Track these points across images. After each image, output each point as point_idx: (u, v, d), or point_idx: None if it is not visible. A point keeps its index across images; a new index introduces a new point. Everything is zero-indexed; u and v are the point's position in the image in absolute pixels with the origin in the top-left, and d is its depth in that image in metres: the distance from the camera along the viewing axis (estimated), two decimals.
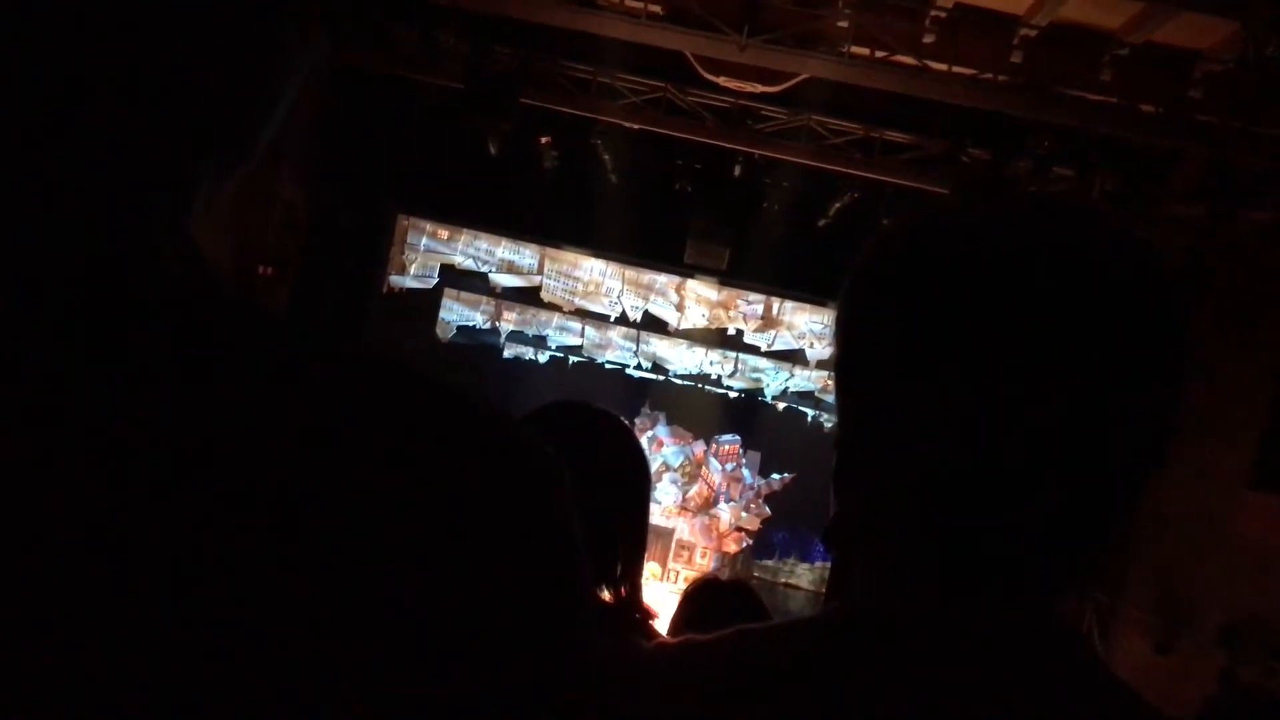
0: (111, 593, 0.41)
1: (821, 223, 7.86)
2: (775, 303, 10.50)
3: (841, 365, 0.75)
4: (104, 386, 0.43)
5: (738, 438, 11.98)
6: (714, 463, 11.86)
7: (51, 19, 0.43)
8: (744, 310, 10.67)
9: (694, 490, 11.68)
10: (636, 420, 11.70)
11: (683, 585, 9.42)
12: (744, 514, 11.73)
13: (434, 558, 0.46)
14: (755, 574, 11.72)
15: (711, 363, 11.76)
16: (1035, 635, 0.69)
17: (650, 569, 9.99)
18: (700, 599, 2.78)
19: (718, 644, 0.74)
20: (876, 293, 0.73)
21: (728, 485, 11.81)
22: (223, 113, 0.48)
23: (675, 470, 11.71)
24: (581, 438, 1.67)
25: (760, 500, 11.85)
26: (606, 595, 1.62)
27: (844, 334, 0.75)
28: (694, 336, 11.23)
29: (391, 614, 0.45)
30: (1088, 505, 0.68)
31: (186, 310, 0.47)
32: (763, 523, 11.79)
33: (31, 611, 0.41)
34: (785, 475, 11.71)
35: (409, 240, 9.99)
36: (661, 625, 2.36)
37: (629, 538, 1.67)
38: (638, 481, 1.72)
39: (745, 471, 11.94)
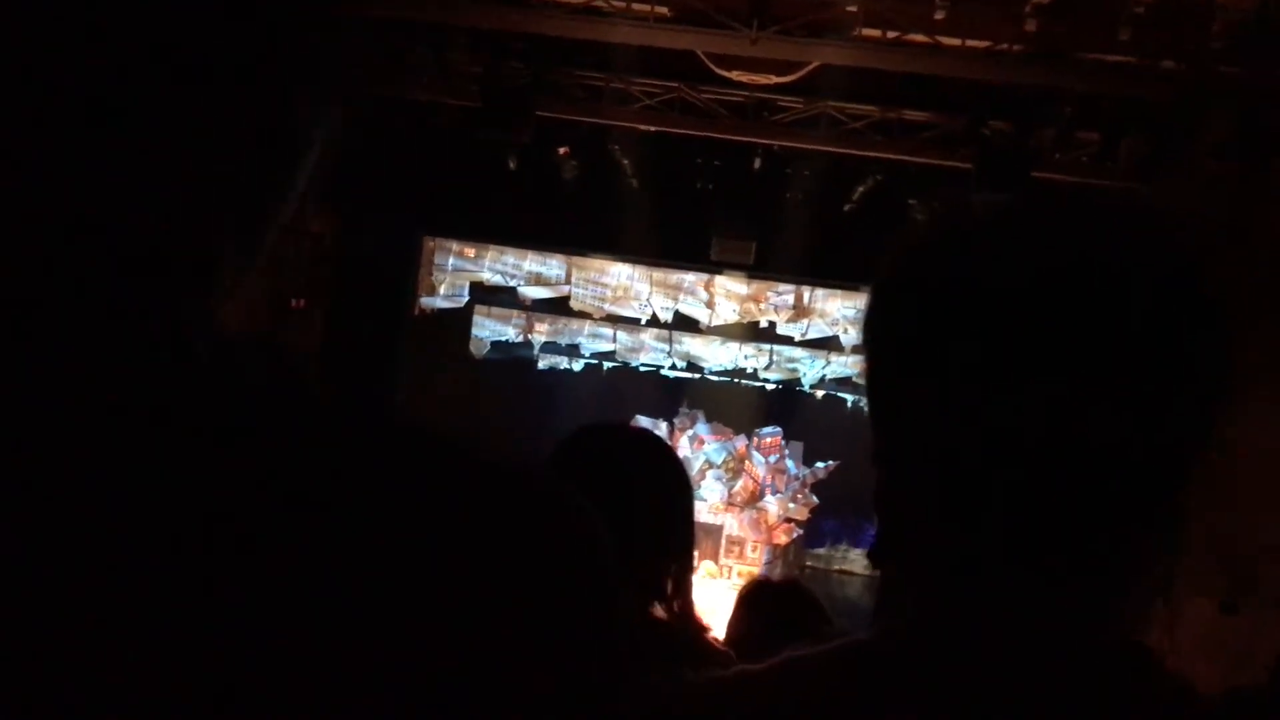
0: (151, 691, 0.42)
1: (846, 208, 7.82)
2: (806, 292, 10.45)
3: (874, 378, 0.75)
4: (134, 485, 0.43)
5: (779, 429, 11.92)
6: (757, 456, 11.81)
7: (57, 106, 0.43)
8: (775, 302, 10.63)
9: (739, 485, 11.63)
10: (675, 420, 11.68)
11: (736, 580, 9.41)
12: (791, 505, 11.67)
13: (474, 633, 0.46)
14: (808, 563, 11.68)
15: (746, 357, 11.73)
16: (1089, 652, 0.68)
17: (705, 567, 9.97)
18: (753, 604, 2.77)
19: (768, 676, 0.74)
20: (902, 309, 0.73)
21: (772, 478, 11.76)
22: (238, 197, 0.48)
23: (719, 467, 11.68)
24: (619, 460, 1.68)
25: (807, 489, 11.79)
26: (660, 613, 1.63)
27: (874, 347, 0.75)
28: (727, 332, 11.20)
29: (435, 693, 0.45)
30: (1133, 515, 0.67)
31: (216, 400, 0.47)
32: (811, 512, 11.73)
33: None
34: (830, 463, 11.63)
35: (436, 261, 10.04)
36: (718, 625, 2.36)
37: (677, 555, 1.68)
38: (679, 497, 1.73)
39: (789, 462, 11.88)
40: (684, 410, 11.96)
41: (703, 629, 1.73)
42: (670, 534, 1.68)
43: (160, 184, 0.45)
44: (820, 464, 11.74)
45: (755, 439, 11.88)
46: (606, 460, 1.67)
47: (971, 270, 0.69)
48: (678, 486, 1.74)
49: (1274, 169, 5.92)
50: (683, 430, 11.66)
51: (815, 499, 11.71)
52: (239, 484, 0.45)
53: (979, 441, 0.67)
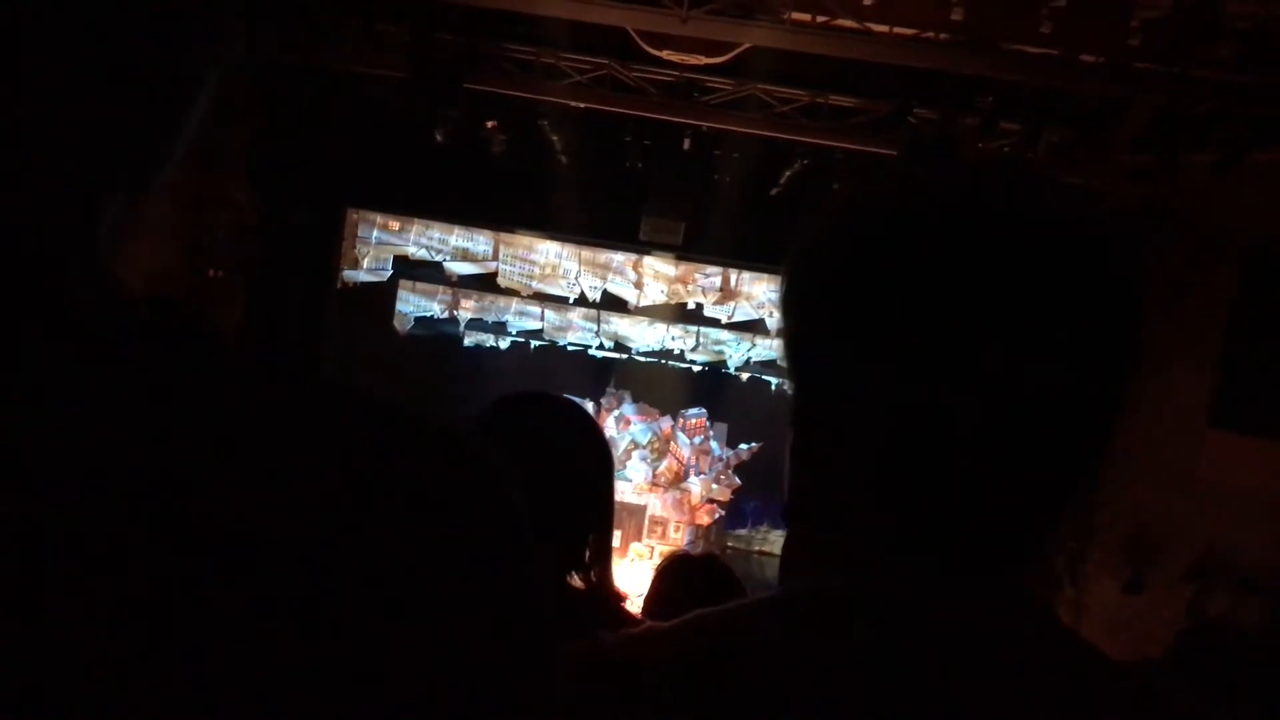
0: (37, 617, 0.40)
1: (774, 191, 7.87)
2: (733, 274, 10.52)
3: (792, 342, 0.75)
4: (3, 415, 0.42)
5: (704, 411, 12.02)
6: (682, 437, 11.89)
7: None
8: (702, 284, 10.67)
9: (664, 466, 11.70)
10: (602, 400, 11.69)
11: (656, 560, 9.45)
12: (714, 486, 11.78)
13: (380, 584, 0.45)
14: (729, 544, 11.80)
15: (673, 338, 11.78)
16: (1000, 609, 0.69)
17: (634, 549, 10.02)
18: (671, 576, 2.80)
19: (676, 631, 0.74)
20: (823, 269, 0.73)
21: (697, 458, 11.85)
22: (125, 134, 0.46)
23: (644, 447, 11.73)
24: (541, 428, 1.68)
25: (730, 471, 11.91)
26: (578, 582, 1.63)
27: (792, 311, 0.75)
28: (655, 313, 11.22)
29: (338, 643, 0.44)
30: (1046, 473, 0.68)
31: (100, 339, 0.45)
32: (733, 493, 11.86)
33: None
34: (753, 445, 11.77)
35: (360, 234, 9.87)
36: (635, 605, 2.38)
37: (595, 524, 1.68)
38: (600, 467, 1.73)
39: (713, 444, 11.98)
40: (611, 390, 11.99)
41: (620, 598, 1.74)
42: (590, 503, 1.68)
43: (38, 122, 0.43)
44: (744, 445, 11.86)
45: (681, 420, 11.95)
46: (530, 427, 1.67)
47: (892, 233, 0.69)
48: (599, 456, 1.74)
49: (1187, 164, 6.11)
50: (609, 410, 11.68)
51: (738, 480, 11.83)
52: (119, 425, 0.43)
53: (893, 405, 0.67)
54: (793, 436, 0.76)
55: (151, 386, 0.45)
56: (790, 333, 0.75)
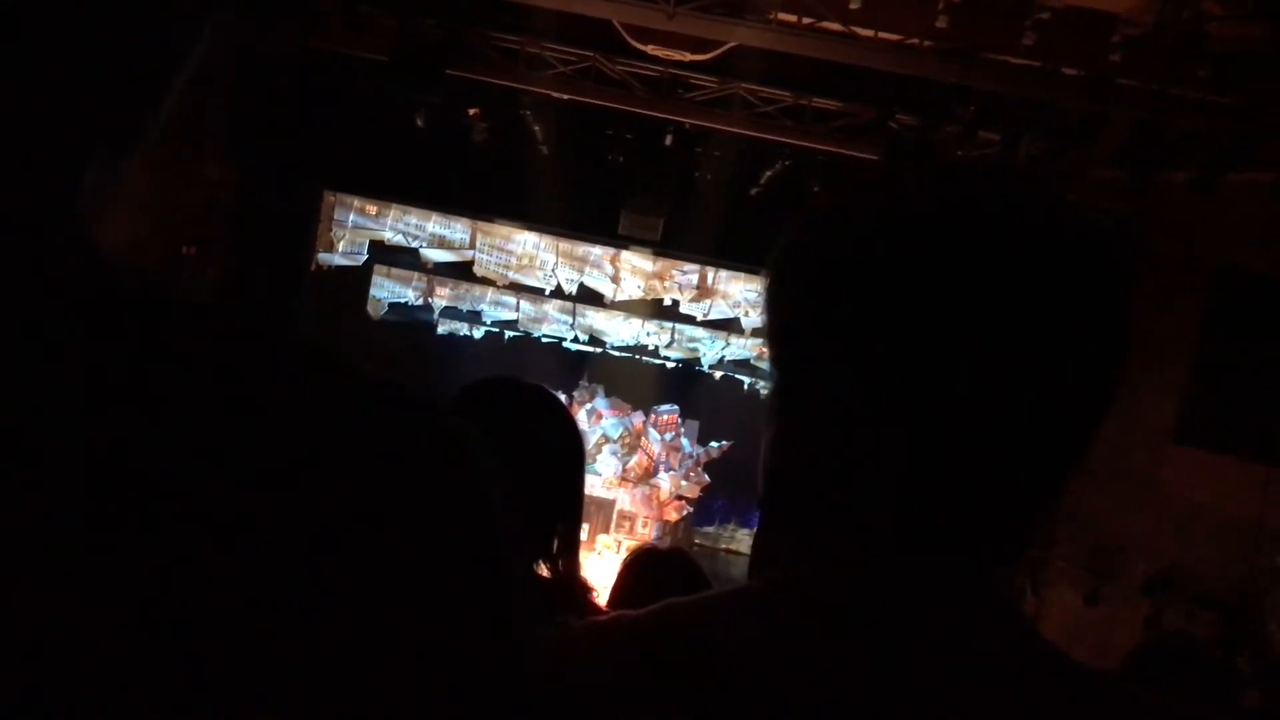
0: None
1: (754, 191, 7.88)
2: (710, 272, 10.54)
3: (774, 337, 0.75)
4: None
5: (676, 407, 12.03)
6: (653, 433, 11.90)
7: None
8: (679, 280, 10.69)
9: (634, 461, 11.71)
10: (575, 393, 11.68)
11: (623, 554, 9.46)
12: (684, 482, 11.80)
13: (348, 549, 0.44)
14: (696, 541, 11.82)
15: (649, 334, 11.78)
16: (969, 605, 0.69)
17: (600, 540, 10.02)
18: (638, 569, 2.79)
19: (645, 619, 0.73)
20: (807, 266, 0.72)
21: (667, 455, 11.87)
22: (104, 99, 0.46)
23: (615, 442, 11.73)
24: (513, 414, 1.67)
25: (699, 468, 11.93)
26: (544, 571, 1.62)
27: (776, 307, 0.74)
28: (630, 308, 11.22)
29: (306, 608, 0.43)
30: (1023, 472, 0.68)
31: (78, 298, 0.45)
32: (702, 490, 11.88)
33: None
34: (723, 443, 11.80)
35: (336, 217, 9.81)
36: (601, 599, 2.37)
37: (564, 513, 1.67)
38: (571, 456, 1.72)
39: (684, 440, 12.00)
40: (584, 384, 11.98)
41: (587, 589, 1.73)
42: (559, 492, 1.67)
43: (17, 85, 0.42)
44: (714, 443, 11.89)
45: (652, 416, 11.97)
46: (501, 412, 1.66)
47: (878, 232, 0.68)
48: (570, 445, 1.73)
49: (1161, 182, 6.17)
50: (581, 404, 11.67)
51: (707, 478, 11.86)
52: (90, 385, 0.43)
53: (874, 402, 0.67)
54: (771, 430, 0.75)
55: (137, 357, 0.44)
56: (774, 327, 0.75)
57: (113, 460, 0.42)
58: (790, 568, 0.73)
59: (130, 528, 0.41)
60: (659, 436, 11.91)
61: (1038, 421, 0.67)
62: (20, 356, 0.42)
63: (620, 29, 6.20)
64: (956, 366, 0.65)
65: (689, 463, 11.91)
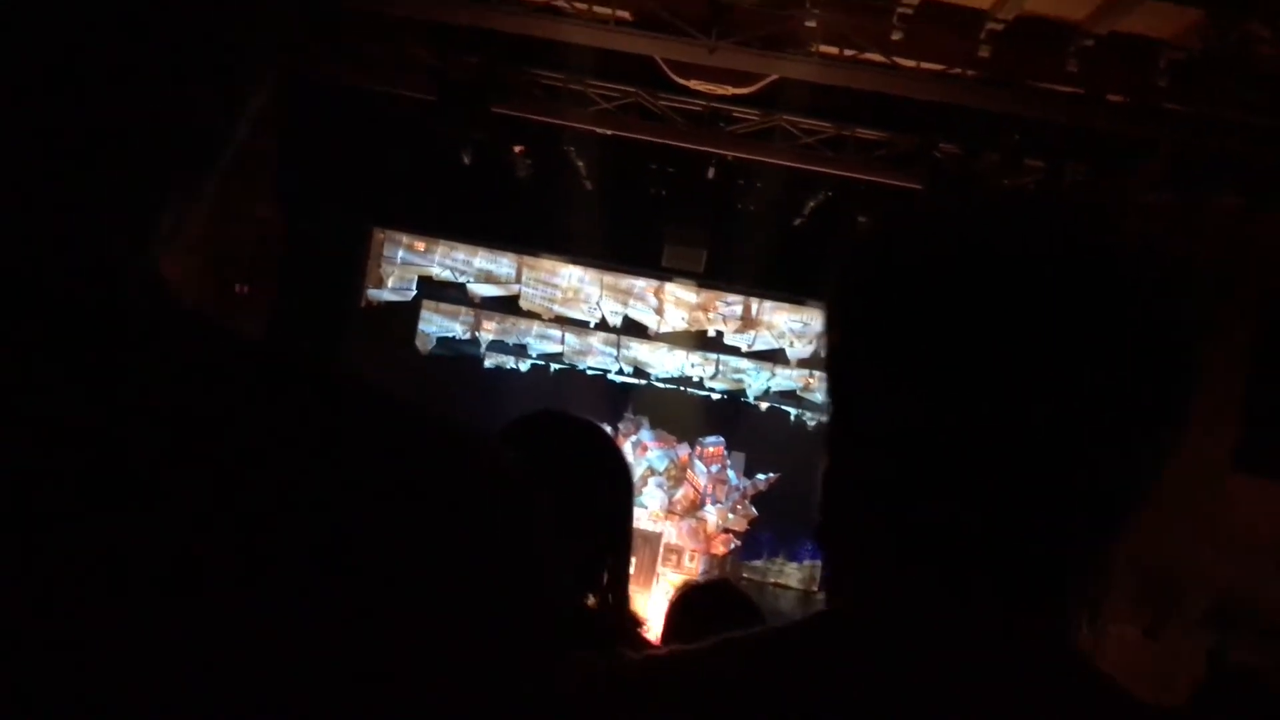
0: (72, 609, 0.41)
1: (797, 222, 7.88)
2: (754, 303, 10.51)
3: (830, 367, 0.74)
4: (61, 410, 0.43)
5: (722, 439, 11.95)
6: (699, 465, 11.83)
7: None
8: (723, 312, 10.67)
9: (680, 493, 11.65)
10: (620, 425, 11.66)
11: (670, 589, 9.41)
12: (730, 515, 11.71)
13: (396, 582, 0.46)
14: (744, 575, 11.69)
15: (693, 365, 11.74)
16: (1027, 644, 0.67)
17: (639, 574, 9.96)
18: (687, 605, 2.77)
19: (701, 654, 0.72)
20: (861, 299, 0.72)
21: (713, 487, 11.79)
22: (180, 137, 0.48)
23: (660, 474, 11.68)
24: (562, 448, 1.67)
25: (746, 501, 11.83)
26: (593, 602, 1.62)
27: (831, 336, 0.74)
28: (674, 340, 11.22)
29: (350, 638, 0.44)
30: (1087, 510, 0.66)
31: (148, 335, 0.47)
32: (750, 523, 11.77)
33: None
34: (770, 475, 11.69)
35: (385, 253, 9.94)
36: (652, 633, 2.36)
37: (614, 545, 1.67)
38: (620, 489, 1.73)
39: (730, 473, 11.91)
40: (629, 415, 11.95)
41: (637, 622, 1.72)
42: (608, 524, 1.68)
43: (99, 122, 0.45)
44: (761, 476, 11.78)
45: (698, 448, 11.90)
46: (551, 445, 1.66)
47: (925, 260, 0.68)
48: (618, 477, 1.73)
49: (1208, 206, 6.08)
50: (626, 436, 11.65)
51: (754, 511, 11.76)
52: (166, 418, 0.44)
53: (933, 433, 0.66)
54: (826, 461, 0.74)
55: (204, 392, 0.46)
56: (829, 355, 0.74)
57: (191, 496, 0.43)
58: (846, 603, 0.73)
59: (201, 555, 0.43)
60: (705, 469, 11.84)
61: (1101, 460, 0.65)
62: (89, 387, 0.44)
63: (662, 64, 6.25)
64: (1016, 402, 0.64)
65: (735, 495, 11.82)
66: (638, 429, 11.90)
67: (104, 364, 0.45)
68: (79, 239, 0.46)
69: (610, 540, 1.67)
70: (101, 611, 0.41)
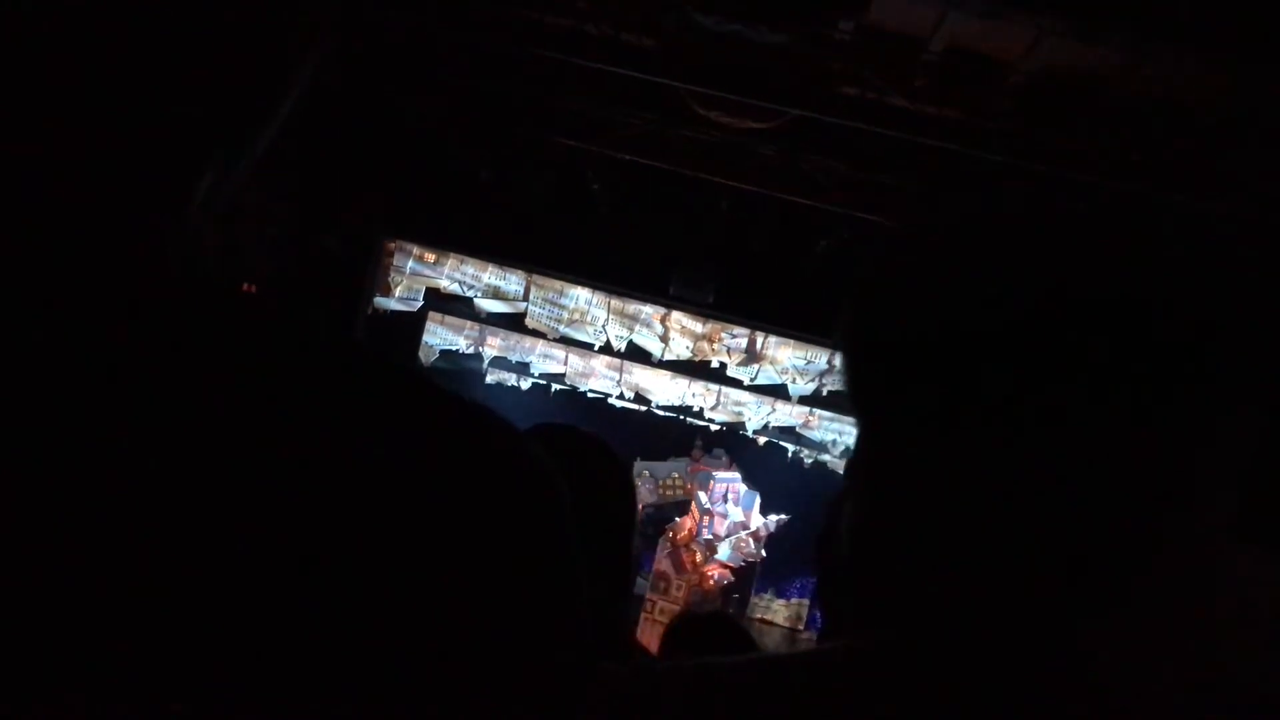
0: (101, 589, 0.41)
1: (808, 260, 7.89)
2: (759, 337, 10.51)
3: (853, 383, 0.71)
4: (102, 383, 0.42)
5: (738, 475, 11.92)
6: (700, 496, 11.80)
7: (51, 19, 0.42)
8: (728, 344, 10.67)
9: (679, 521, 11.62)
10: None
11: (659, 617, 9.36)
12: (731, 551, 11.66)
13: (431, 563, 0.45)
14: (730, 610, 11.64)
15: (694, 395, 11.74)
16: (1058, 674, 0.64)
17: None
18: (681, 637, 2.76)
19: (739, 668, 0.69)
20: (889, 303, 0.69)
21: (718, 521, 11.75)
22: (224, 110, 0.47)
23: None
24: (570, 458, 1.66)
25: (752, 540, 11.79)
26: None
27: (854, 347, 0.71)
28: (678, 368, 11.22)
29: (383, 620, 0.43)
30: (1120, 544, 0.63)
31: (191, 307, 0.47)
32: (744, 558, 11.73)
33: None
34: (782, 516, 11.62)
35: (395, 262, 9.96)
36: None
37: (614, 562, 1.66)
38: (624, 503, 1.72)
39: (739, 509, 11.88)
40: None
41: (641, 649, 1.72)
42: (609, 540, 1.66)
43: (143, 93, 0.44)
44: (774, 516, 11.71)
45: (713, 483, 11.86)
46: (560, 455, 1.65)
47: (955, 267, 0.65)
48: (623, 491, 1.73)
49: None
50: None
51: (763, 553, 11.70)
52: (201, 393, 0.44)
53: (956, 460, 0.64)
54: (849, 486, 0.72)
55: (242, 368, 0.46)
56: (850, 372, 0.71)
57: (222, 474, 0.42)
58: (875, 633, 0.70)
59: (235, 539, 0.42)
60: (704, 499, 11.82)
61: (1132, 493, 0.63)
62: (125, 355, 0.43)
63: (685, 95, 6.28)
64: (1043, 424, 0.62)
65: (743, 533, 11.78)
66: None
67: (147, 342, 0.44)
68: (120, 211, 0.45)
69: (610, 555, 1.66)
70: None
